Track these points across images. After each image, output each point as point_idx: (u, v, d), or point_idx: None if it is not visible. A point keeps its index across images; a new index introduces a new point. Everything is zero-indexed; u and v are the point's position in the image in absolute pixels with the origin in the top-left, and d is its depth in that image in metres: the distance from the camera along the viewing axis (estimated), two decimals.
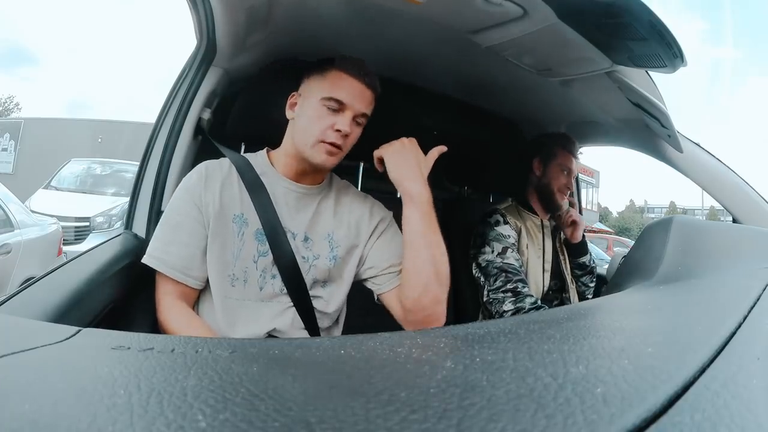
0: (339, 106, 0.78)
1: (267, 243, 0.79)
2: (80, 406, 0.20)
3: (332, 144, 0.78)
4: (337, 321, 0.90)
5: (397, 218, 0.95)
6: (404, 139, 0.83)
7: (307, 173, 0.84)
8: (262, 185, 0.81)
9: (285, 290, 0.80)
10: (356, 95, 0.79)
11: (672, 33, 0.74)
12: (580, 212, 1.73)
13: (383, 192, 1.17)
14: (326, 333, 0.86)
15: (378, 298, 0.87)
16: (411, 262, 0.78)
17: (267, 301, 0.80)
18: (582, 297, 1.38)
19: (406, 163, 0.80)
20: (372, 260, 0.87)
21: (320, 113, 0.78)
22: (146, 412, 0.20)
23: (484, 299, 1.18)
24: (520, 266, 1.20)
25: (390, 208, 0.94)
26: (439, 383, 0.23)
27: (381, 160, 0.83)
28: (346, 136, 0.78)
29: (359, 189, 0.97)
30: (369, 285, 0.88)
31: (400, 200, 1.34)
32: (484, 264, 1.19)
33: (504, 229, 1.22)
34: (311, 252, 0.83)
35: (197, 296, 0.80)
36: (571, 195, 1.33)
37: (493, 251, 1.19)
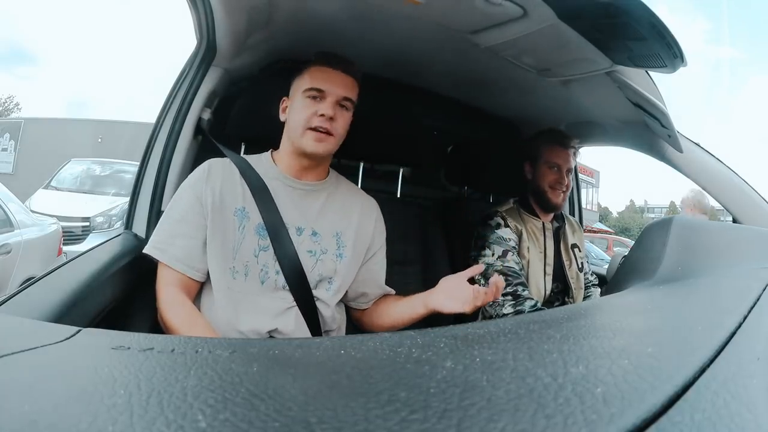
0: (319, 94, 0.83)
1: (268, 238, 0.80)
2: (80, 406, 0.20)
3: (318, 129, 0.82)
4: (339, 327, 0.90)
5: (395, 219, 0.95)
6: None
7: (309, 169, 0.86)
8: (264, 184, 0.82)
9: (287, 286, 0.81)
10: (334, 82, 0.83)
11: (672, 33, 0.74)
12: (580, 212, 1.73)
13: (383, 192, 1.17)
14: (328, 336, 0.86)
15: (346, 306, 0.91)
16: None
17: (268, 296, 0.80)
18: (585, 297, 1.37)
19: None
20: (357, 278, 0.90)
21: (304, 104, 0.83)
22: (146, 412, 0.20)
23: None
24: (521, 269, 1.19)
25: (390, 208, 0.94)
26: (439, 383, 0.23)
27: None
28: (331, 119, 0.82)
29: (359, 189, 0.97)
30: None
31: (400, 200, 1.35)
32: (484, 267, 1.19)
33: (504, 232, 1.22)
34: (319, 246, 0.84)
35: (198, 289, 0.81)
36: (566, 189, 1.26)
37: (493, 254, 1.19)
